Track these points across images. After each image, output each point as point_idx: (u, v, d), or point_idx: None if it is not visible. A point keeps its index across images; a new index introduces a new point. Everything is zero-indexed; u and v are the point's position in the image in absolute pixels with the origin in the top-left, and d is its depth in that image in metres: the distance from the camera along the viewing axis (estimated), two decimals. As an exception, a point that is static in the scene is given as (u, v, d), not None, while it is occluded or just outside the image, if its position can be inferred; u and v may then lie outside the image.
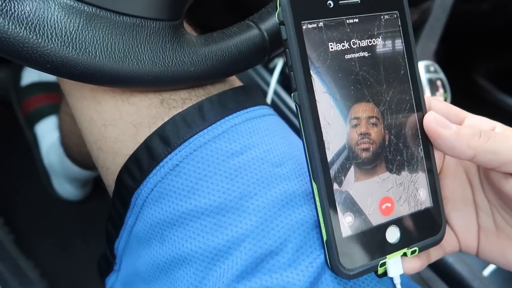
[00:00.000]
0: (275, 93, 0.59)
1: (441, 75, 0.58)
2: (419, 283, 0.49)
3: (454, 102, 0.56)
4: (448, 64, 0.64)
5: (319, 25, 0.26)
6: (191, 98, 0.32)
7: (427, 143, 0.28)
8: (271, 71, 0.60)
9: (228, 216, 0.29)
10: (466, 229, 0.30)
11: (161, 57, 0.29)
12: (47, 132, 0.79)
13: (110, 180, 0.34)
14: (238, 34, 0.32)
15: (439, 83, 0.57)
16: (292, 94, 0.26)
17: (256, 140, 0.32)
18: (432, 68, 0.57)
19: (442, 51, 0.64)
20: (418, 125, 0.28)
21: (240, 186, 0.30)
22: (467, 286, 0.47)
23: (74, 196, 0.82)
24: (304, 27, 0.25)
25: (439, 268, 0.48)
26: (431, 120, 0.27)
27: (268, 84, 0.59)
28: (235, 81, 0.35)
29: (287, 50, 0.25)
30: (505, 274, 0.31)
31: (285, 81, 0.56)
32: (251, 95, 0.34)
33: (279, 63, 0.59)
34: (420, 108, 0.28)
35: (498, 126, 0.28)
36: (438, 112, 0.28)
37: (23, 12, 0.25)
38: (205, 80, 0.32)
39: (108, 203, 0.34)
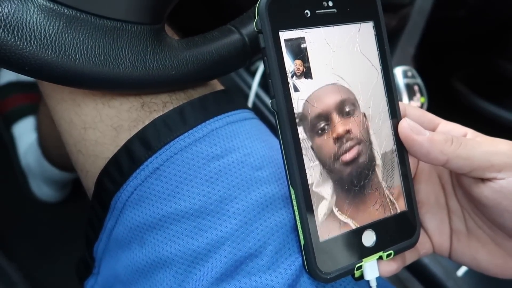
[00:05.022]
0: (257, 95, 0.59)
1: (419, 80, 0.59)
2: (396, 283, 0.51)
3: (431, 106, 0.57)
4: (426, 69, 0.66)
5: (297, 34, 0.26)
6: (172, 101, 0.32)
7: (402, 149, 0.29)
8: (253, 74, 0.61)
9: (208, 219, 0.29)
10: (439, 232, 0.31)
11: (142, 60, 0.29)
12: (25, 133, 0.78)
13: (89, 183, 0.34)
14: (219, 39, 0.32)
15: (416, 88, 0.58)
16: (270, 101, 0.26)
17: (236, 143, 0.32)
18: (409, 73, 0.58)
19: (420, 56, 0.66)
20: (393, 131, 0.29)
21: (220, 189, 0.30)
22: (441, 286, 0.48)
23: (52, 198, 0.80)
24: (281, 35, 0.26)
25: (415, 268, 0.50)
26: (405, 127, 0.28)
27: (250, 86, 0.60)
28: (216, 85, 0.36)
29: (265, 58, 0.26)
30: (478, 274, 0.32)
31: (266, 84, 0.57)
32: (232, 99, 0.35)
33: (261, 66, 0.60)
34: (395, 114, 0.29)
35: (470, 132, 0.29)
36: (413, 119, 0.28)
37: (1, 14, 0.25)
38: (186, 84, 0.32)
39: (87, 205, 0.34)
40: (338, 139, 0.27)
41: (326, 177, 0.27)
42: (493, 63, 0.87)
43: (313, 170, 0.26)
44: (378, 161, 0.28)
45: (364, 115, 0.28)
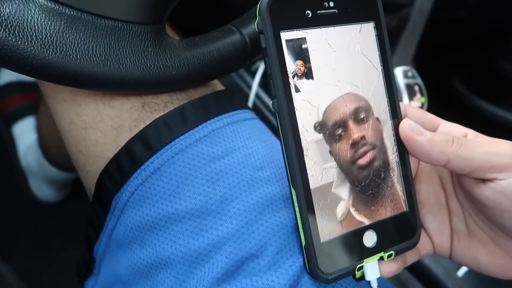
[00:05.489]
0: (257, 95, 0.59)
1: (419, 80, 0.59)
2: (397, 283, 0.51)
3: (431, 106, 0.57)
4: (426, 69, 0.66)
5: (298, 34, 0.26)
6: (172, 101, 0.32)
7: (403, 150, 0.29)
8: (253, 74, 0.61)
9: (209, 220, 0.29)
10: (440, 232, 0.31)
11: (142, 60, 0.29)
12: (25, 133, 0.78)
13: (90, 183, 0.34)
14: (220, 39, 0.32)
15: (416, 88, 0.58)
16: (271, 102, 0.26)
17: (237, 144, 0.32)
18: (410, 74, 0.58)
19: (420, 57, 0.66)
20: (394, 132, 0.29)
21: (221, 189, 0.30)
22: (442, 286, 0.48)
23: (52, 198, 0.80)
24: (282, 36, 0.26)
25: (416, 268, 0.50)
26: (406, 127, 0.28)
27: (250, 86, 0.60)
28: (217, 85, 0.36)
29: (266, 58, 0.26)
30: (478, 274, 0.32)
31: (267, 84, 0.57)
32: (232, 99, 0.35)
33: (261, 66, 0.60)
34: (396, 115, 0.29)
35: (470, 133, 0.29)
36: (413, 119, 0.29)
37: (2, 14, 0.25)
38: (187, 84, 0.32)
39: (87, 206, 0.34)
40: (351, 146, 0.27)
41: (327, 178, 0.27)
42: (493, 63, 0.87)
43: (314, 170, 0.26)
44: (379, 161, 0.28)
45: (378, 119, 0.28)
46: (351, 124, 0.28)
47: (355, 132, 0.28)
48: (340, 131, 0.27)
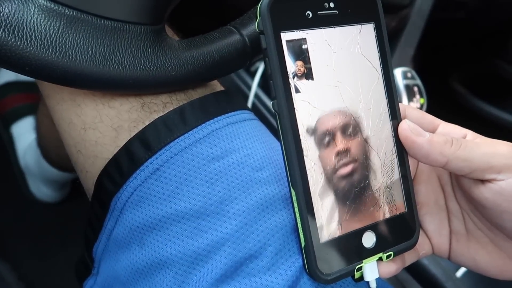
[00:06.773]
0: (256, 96, 0.59)
1: (418, 81, 0.59)
2: (395, 284, 0.51)
3: (431, 107, 0.57)
4: (425, 70, 0.66)
5: (298, 35, 0.26)
6: (172, 102, 0.32)
7: (402, 150, 0.29)
8: (252, 75, 0.61)
9: (208, 220, 0.29)
10: (438, 233, 0.31)
11: (142, 61, 0.29)
12: (24, 133, 0.77)
13: (89, 183, 0.34)
14: (219, 39, 0.32)
15: (416, 89, 0.58)
16: (271, 103, 0.26)
17: (236, 144, 0.32)
18: (409, 74, 0.58)
19: (419, 58, 0.66)
20: (393, 133, 0.29)
21: (220, 190, 0.30)
22: (441, 287, 0.49)
23: (51, 198, 0.80)
24: (283, 36, 0.26)
25: (414, 269, 0.50)
26: (405, 128, 0.28)
27: (249, 87, 0.60)
28: (216, 86, 0.36)
29: (267, 59, 0.26)
30: (477, 275, 0.32)
31: (266, 85, 0.57)
32: (232, 100, 0.35)
33: (260, 67, 0.60)
34: (395, 116, 0.29)
35: (469, 134, 0.29)
36: (413, 120, 0.29)
37: (2, 14, 0.25)
38: (186, 84, 0.32)
39: (86, 206, 0.34)
40: (339, 149, 0.27)
41: (327, 179, 0.27)
42: (492, 64, 0.87)
43: (314, 171, 0.26)
44: (379, 162, 0.29)
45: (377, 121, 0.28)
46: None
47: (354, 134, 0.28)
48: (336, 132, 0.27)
